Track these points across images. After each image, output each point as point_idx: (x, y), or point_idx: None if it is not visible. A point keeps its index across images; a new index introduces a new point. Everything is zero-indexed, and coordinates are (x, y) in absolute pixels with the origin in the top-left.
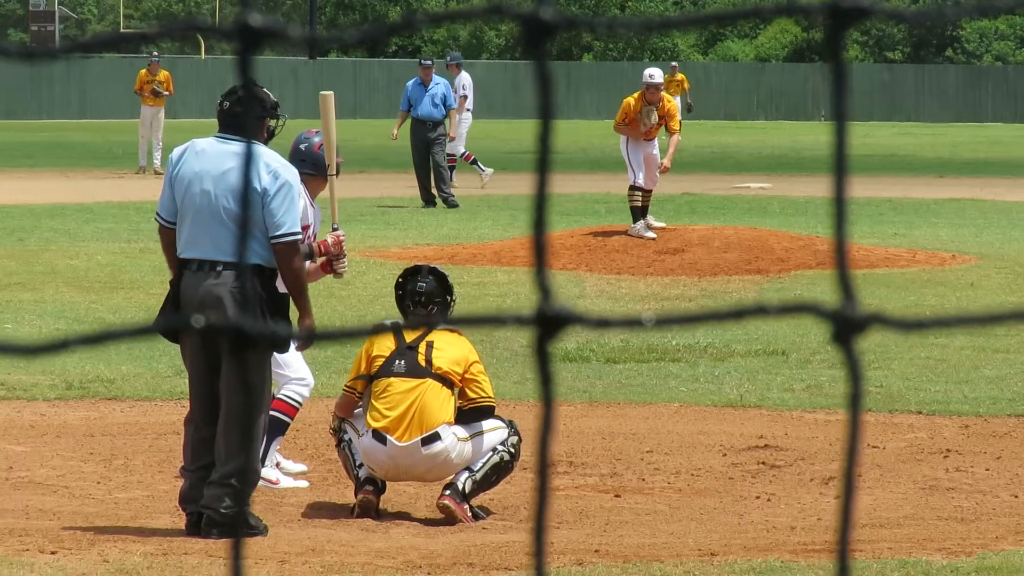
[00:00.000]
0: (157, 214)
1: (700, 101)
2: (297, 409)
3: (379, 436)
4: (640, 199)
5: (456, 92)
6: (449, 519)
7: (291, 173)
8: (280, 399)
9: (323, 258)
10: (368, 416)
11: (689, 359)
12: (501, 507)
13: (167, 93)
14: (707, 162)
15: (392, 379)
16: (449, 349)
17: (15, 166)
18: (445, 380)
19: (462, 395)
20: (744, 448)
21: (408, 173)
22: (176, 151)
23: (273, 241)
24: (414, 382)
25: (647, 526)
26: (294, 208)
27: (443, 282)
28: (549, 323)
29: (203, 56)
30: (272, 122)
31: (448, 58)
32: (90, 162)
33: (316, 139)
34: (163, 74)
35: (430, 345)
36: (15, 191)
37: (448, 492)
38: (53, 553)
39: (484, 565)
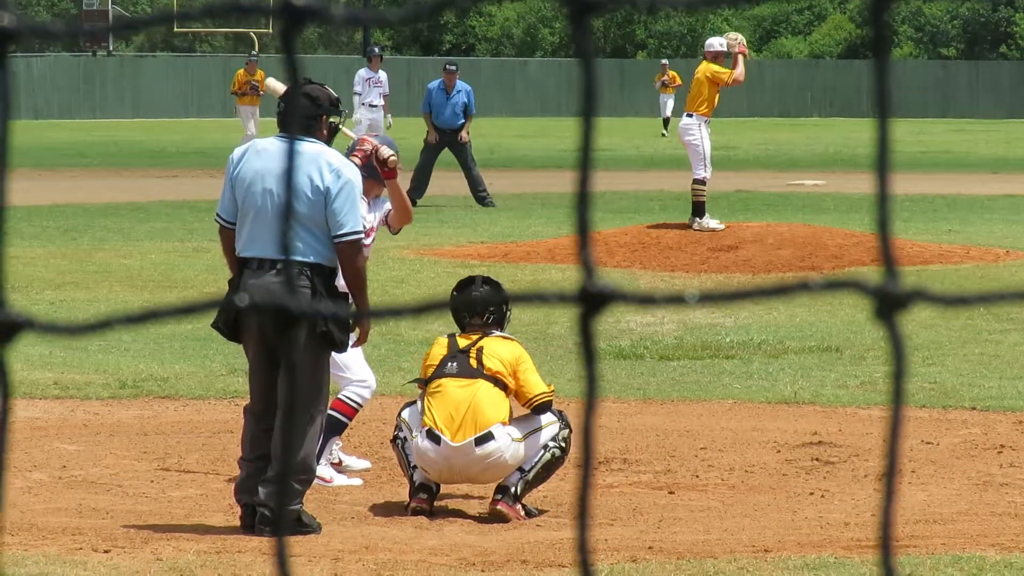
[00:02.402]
0: (217, 215)
1: (754, 98)
2: (356, 411)
3: (433, 436)
4: (705, 193)
5: (381, 88)
6: (503, 521)
7: (353, 172)
8: (340, 399)
9: (376, 164)
10: (423, 416)
11: (743, 356)
12: (554, 504)
13: (264, 93)
14: (761, 159)
15: (444, 380)
16: (499, 352)
17: (69, 165)
18: (497, 381)
19: (518, 398)
20: (798, 444)
21: (457, 172)
22: (236, 151)
23: (336, 240)
24: (466, 382)
25: (701, 522)
26: (356, 207)
27: (498, 291)
28: (592, 300)
29: (257, 54)
30: (333, 119)
31: (376, 49)
32: (144, 161)
33: (367, 146)
34: (260, 73)
35: (480, 349)
36: (69, 190)
37: (500, 496)
38: (107, 552)
39: (538, 562)
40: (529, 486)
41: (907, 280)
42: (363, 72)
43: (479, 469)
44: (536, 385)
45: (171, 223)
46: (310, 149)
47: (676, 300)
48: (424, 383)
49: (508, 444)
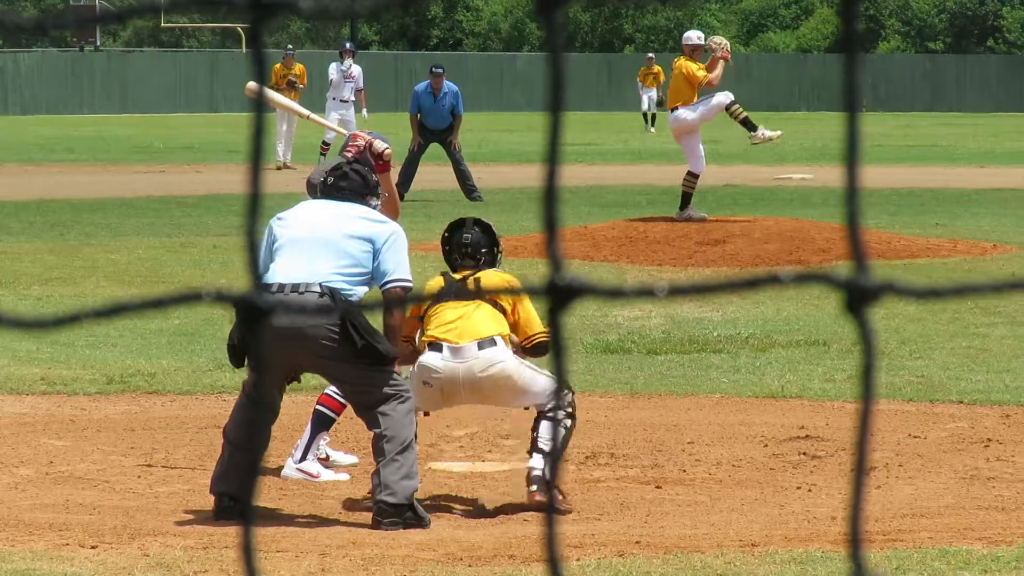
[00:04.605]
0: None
1: (741, 92)
2: (344, 406)
3: (435, 345)
4: (695, 186)
5: (354, 83)
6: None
7: (398, 227)
8: (328, 395)
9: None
10: (423, 338)
11: (730, 350)
12: None
13: (302, 86)
14: (748, 153)
15: (442, 304)
16: (496, 281)
17: (56, 160)
18: (495, 304)
19: (516, 332)
20: (785, 439)
21: (445, 166)
22: (279, 214)
23: (384, 287)
24: (464, 302)
25: (688, 517)
26: (404, 258)
27: (489, 233)
28: (561, 294)
29: (244, 50)
30: (373, 200)
31: (348, 44)
32: (131, 156)
33: (360, 141)
34: (298, 67)
35: (478, 279)
36: (56, 185)
37: (535, 488)
38: (93, 547)
39: (525, 557)
40: (556, 465)
41: (879, 273)
42: (335, 66)
43: (482, 373)
44: (536, 323)
45: (158, 218)
46: (361, 207)
47: (645, 293)
48: (419, 318)
49: (511, 356)
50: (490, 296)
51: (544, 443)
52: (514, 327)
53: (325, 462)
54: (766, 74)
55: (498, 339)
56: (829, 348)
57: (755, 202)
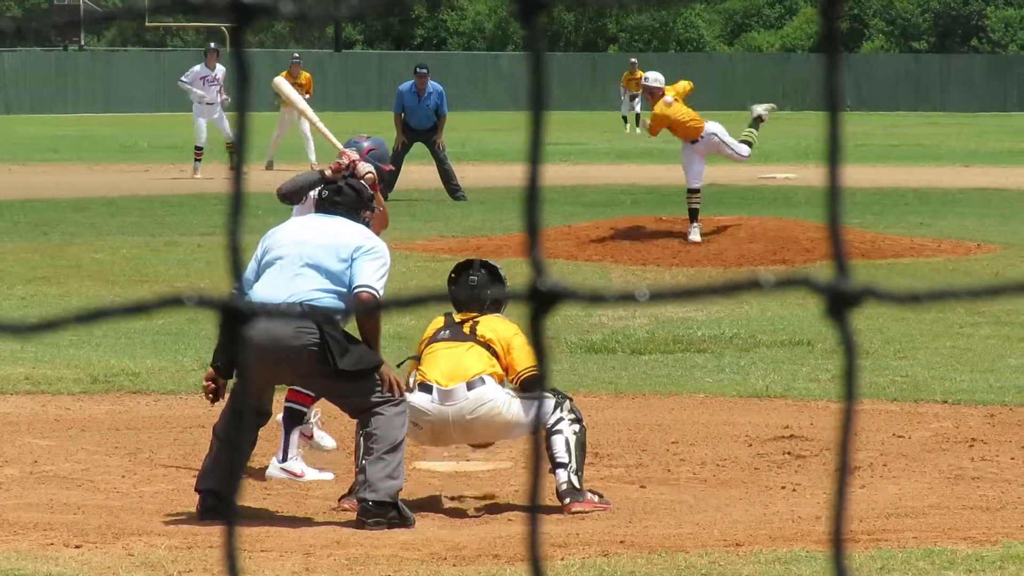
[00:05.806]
0: (238, 288)
1: (726, 92)
2: (313, 397)
3: (425, 387)
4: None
5: (220, 83)
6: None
7: (383, 244)
8: (295, 390)
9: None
10: (416, 376)
11: (715, 350)
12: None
13: (307, 95)
14: None
15: (436, 344)
16: (495, 326)
17: (40, 159)
18: (488, 347)
19: (507, 372)
20: (770, 438)
21: (429, 166)
22: (271, 229)
23: (353, 291)
24: (457, 343)
25: (673, 516)
26: (378, 272)
27: (495, 275)
28: (543, 299)
29: (227, 48)
30: (367, 214)
31: (212, 44)
32: (115, 156)
33: (365, 143)
34: (304, 76)
35: (476, 322)
36: (40, 185)
37: (568, 500)
38: (78, 547)
39: (509, 557)
40: (579, 472)
41: (860, 276)
42: (198, 69)
43: (472, 415)
44: (526, 361)
45: (142, 217)
46: (353, 224)
47: (626, 298)
48: (417, 358)
49: (501, 392)
50: (485, 340)
51: (561, 456)
52: (506, 367)
53: (309, 440)
54: (750, 74)
55: (487, 378)
56: (813, 348)
57: (739, 201)
